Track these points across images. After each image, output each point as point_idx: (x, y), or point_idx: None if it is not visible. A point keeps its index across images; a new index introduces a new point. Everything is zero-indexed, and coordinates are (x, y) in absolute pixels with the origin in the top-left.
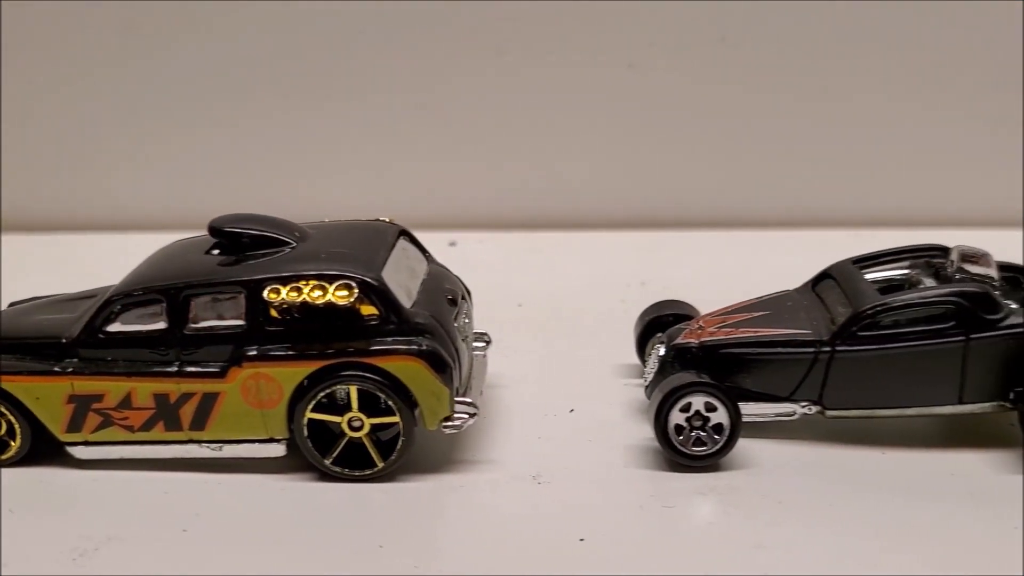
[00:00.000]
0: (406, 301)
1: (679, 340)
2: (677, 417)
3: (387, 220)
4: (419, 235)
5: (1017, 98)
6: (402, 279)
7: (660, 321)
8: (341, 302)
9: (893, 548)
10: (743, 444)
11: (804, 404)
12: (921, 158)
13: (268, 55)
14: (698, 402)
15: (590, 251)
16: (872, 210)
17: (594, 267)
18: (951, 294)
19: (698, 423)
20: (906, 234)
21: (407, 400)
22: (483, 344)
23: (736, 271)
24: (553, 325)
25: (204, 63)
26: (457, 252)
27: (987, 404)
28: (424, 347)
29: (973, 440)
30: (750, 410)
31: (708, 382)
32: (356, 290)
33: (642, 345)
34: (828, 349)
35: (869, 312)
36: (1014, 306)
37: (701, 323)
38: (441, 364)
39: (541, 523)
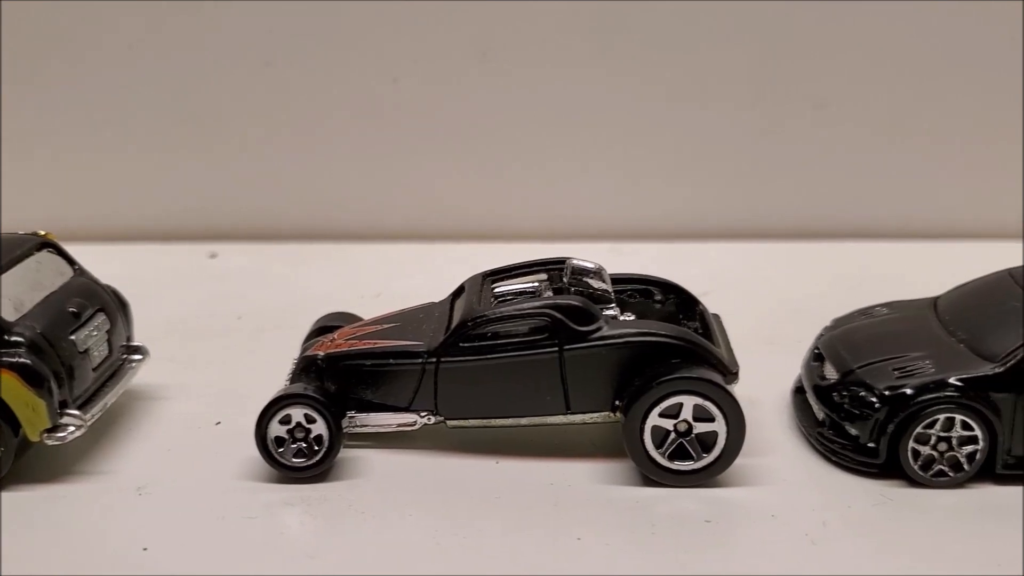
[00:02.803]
0: (12, 314)
1: (308, 352)
2: (278, 429)
3: (41, 233)
4: (181, 246)
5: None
6: (18, 292)
7: (328, 332)
8: None
9: (447, 555)
10: (367, 454)
11: (424, 414)
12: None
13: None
14: (297, 414)
15: (344, 262)
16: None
17: (340, 278)
18: (544, 306)
19: (300, 435)
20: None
21: (3, 411)
22: (138, 357)
23: None
24: (256, 338)
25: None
26: (214, 264)
27: (596, 414)
28: (16, 360)
29: (595, 450)
30: (373, 420)
31: (305, 394)
32: None
33: None
34: (433, 360)
35: (469, 324)
36: (628, 317)
37: (335, 335)
38: (35, 377)
39: (118, 534)
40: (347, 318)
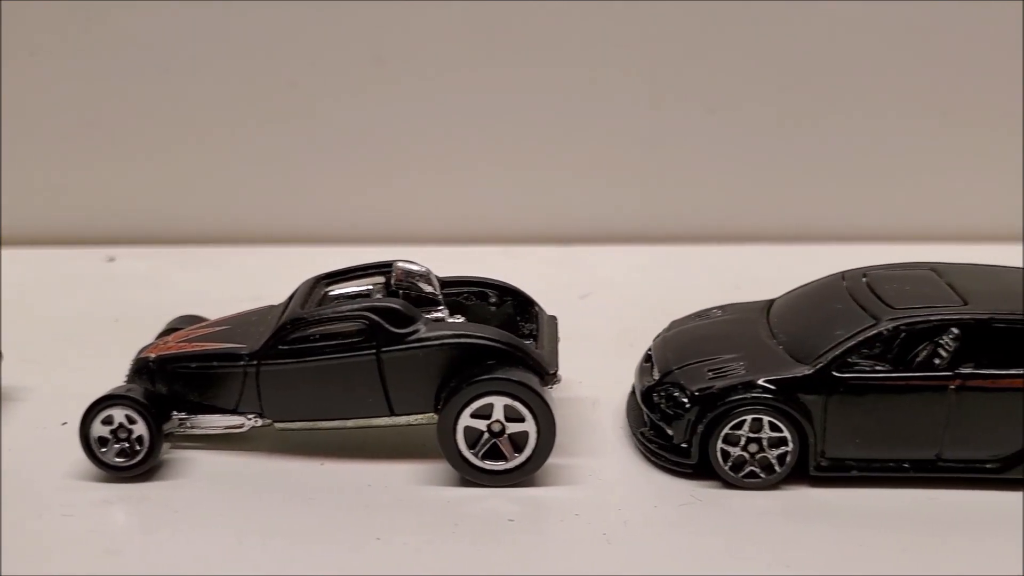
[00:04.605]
0: None
1: (142, 354)
2: (100, 429)
3: None
4: (80, 251)
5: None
6: None
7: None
8: None
9: (244, 555)
10: (199, 455)
11: (251, 416)
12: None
13: None
14: (119, 415)
15: (238, 266)
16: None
17: (227, 282)
18: (360, 309)
19: (123, 435)
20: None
21: None
22: None
23: None
24: (127, 341)
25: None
26: (110, 268)
27: (420, 416)
28: None
29: (424, 452)
30: (202, 422)
31: (126, 395)
32: None
33: None
34: (254, 363)
35: (288, 327)
36: (458, 319)
37: (170, 337)
38: None
39: None
40: (193, 321)
